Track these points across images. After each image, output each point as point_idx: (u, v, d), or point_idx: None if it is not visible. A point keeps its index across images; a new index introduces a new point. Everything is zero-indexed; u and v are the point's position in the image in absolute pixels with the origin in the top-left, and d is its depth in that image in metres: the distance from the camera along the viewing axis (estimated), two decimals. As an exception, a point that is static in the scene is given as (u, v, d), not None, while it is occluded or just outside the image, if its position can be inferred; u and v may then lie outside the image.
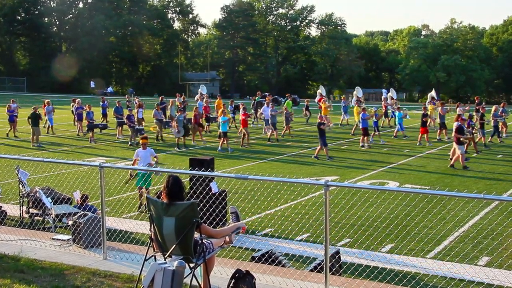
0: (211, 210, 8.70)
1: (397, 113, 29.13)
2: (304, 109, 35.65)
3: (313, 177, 18.25)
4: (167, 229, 6.14)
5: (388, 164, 21.14)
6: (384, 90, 69.03)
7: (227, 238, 6.55)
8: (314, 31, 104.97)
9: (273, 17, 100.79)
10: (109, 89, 78.50)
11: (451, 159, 20.76)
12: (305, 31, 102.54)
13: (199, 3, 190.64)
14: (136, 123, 27.33)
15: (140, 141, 14.67)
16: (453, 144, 20.78)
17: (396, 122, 28.94)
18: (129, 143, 26.09)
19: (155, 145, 25.51)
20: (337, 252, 8.41)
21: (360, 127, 26.15)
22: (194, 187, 9.77)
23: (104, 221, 8.13)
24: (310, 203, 14.23)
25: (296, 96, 50.40)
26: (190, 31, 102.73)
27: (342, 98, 38.50)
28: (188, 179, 11.89)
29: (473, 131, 24.09)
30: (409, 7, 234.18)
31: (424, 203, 13.47)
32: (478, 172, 19.48)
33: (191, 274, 6.10)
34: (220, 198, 10.46)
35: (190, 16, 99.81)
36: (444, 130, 27.85)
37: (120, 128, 28.86)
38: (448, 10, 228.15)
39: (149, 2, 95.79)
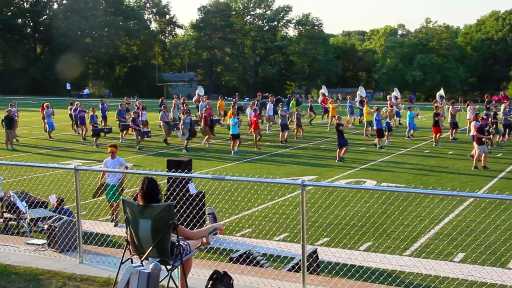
0: (188, 211, 8.66)
1: (408, 112, 28.66)
2: (308, 109, 35.27)
3: (291, 177, 18.28)
4: (143, 232, 6.09)
5: (366, 163, 21.27)
6: (362, 90, 69.56)
7: (204, 239, 6.53)
8: (291, 31, 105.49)
9: (250, 18, 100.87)
10: (86, 91, 77.88)
11: (472, 155, 20.47)
12: (282, 31, 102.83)
13: (176, 3, 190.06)
14: (141, 125, 26.76)
15: (108, 149, 12.78)
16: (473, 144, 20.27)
17: (407, 122, 28.49)
18: (137, 147, 25.38)
19: (161, 148, 25.48)
20: (315, 252, 8.43)
21: (375, 128, 25.64)
22: (171, 189, 9.70)
23: (80, 224, 8.04)
24: (288, 203, 14.24)
25: (298, 96, 50.28)
26: (167, 32, 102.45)
27: (348, 98, 38.28)
28: (166, 180, 11.83)
29: (490, 130, 23.75)
30: (385, 7, 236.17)
31: (401, 201, 13.58)
32: (454, 169, 19.69)
33: (168, 276, 6.06)
34: (198, 199, 10.43)
35: (167, 17, 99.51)
36: (455, 130, 27.52)
37: (124, 131, 28.12)
38: (423, 10, 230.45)
39: (125, 3, 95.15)
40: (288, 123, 28.06)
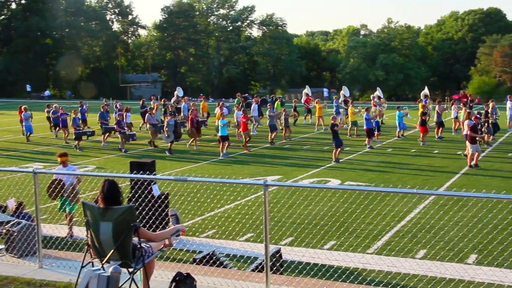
0: (150, 213, 8.56)
1: (397, 112, 28.30)
2: (292, 110, 35.13)
3: (255, 177, 18.28)
4: (104, 234, 6.01)
5: (330, 161, 21.40)
6: (325, 89, 70.28)
7: (167, 241, 6.47)
8: (255, 32, 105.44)
9: (214, 18, 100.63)
10: (46, 93, 76.44)
11: (466, 155, 20.40)
12: (246, 32, 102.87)
13: (139, 4, 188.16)
14: (126, 128, 26.14)
15: (59, 159, 11.68)
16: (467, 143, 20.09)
17: (397, 122, 28.23)
18: (123, 150, 24.67)
19: (147, 151, 25.02)
20: (278, 251, 8.44)
21: (364, 127, 25.27)
22: (133, 191, 9.59)
23: (40, 228, 7.87)
24: (251, 203, 14.24)
25: (281, 96, 50.18)
26: (130, 32, 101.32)
27: (334, 98, 38.11)
28: (130, 182, 11.67)
29: (483, 130, 23.79)
30: (347, 7, 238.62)
31: (364, 199, 13.70)
32: (416, 167, 19.96)
33: (130, 279, 5.98)
34: (160, 201, 10.32)
35: (130, 17, 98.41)
36: (441, 129, 27.46)
37: (106, 134, 27.42)
38: (385, 10, 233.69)
39: (86, 3, 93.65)
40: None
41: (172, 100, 37.13)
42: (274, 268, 7.61)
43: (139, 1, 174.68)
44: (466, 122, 20.37)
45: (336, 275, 7.72)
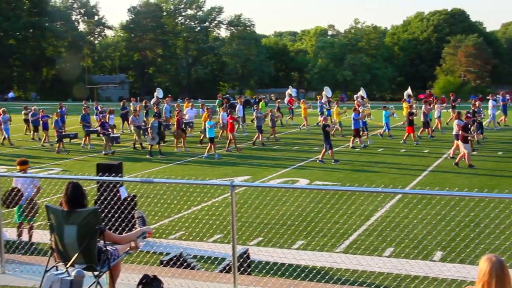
0: (116, 216, 8.44)
1: (383, 112, 28.24)
2: (276, 110, 34.99)
3: (224, 177, 18.23)
4: (68, 238, 5.92)
5: (299, 161, 21.48)
6: (293, 90, 70.43)
7: (133, 244, 6.40)
8: (223, 32, 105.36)
9: (182, 18, 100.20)
10: (10, 94, 75.01)
11: (452, 157, 20.46)
12: (214, 32, 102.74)
13: (105, 4, 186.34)
14: (110, 130, 25.65)
15: (18, 167, 10.79)
16: (456, 142, 20.17)
17: (383, 122, 28.18)
18: (106, 152, 24.19)
19: (130, 154, 24.64)
20: (246, 252, 8.41)
21: (352, 128, 25.00)
22: (99, 193, 9.46)
23: (1, 232, 7.69)
24: (218, 204, 14.20)
25: (265, 97, 50.01)
26: (96, 33, 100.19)
27: (318, 98, 37.95)
28: (96, 185, 11.51)
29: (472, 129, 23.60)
30: (315, 8, 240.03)
31: (333, 199, 13.76)
32: (384, 166, 20.16)
33: (96, 283, 5.90)
34: (126, 203, 10.20)
35: (96, 17, 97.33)
36: (427, 129, 27.58)
37: (88, 137, 26.87)
38: (352, 11, 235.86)
39: (51, 3, 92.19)
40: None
41: (152, 101, 36.81)
42: (242, 269, 7.58)
43: (105, 1, 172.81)
44: (456, 121, 20.29)
45: (303, 275, 7.73)
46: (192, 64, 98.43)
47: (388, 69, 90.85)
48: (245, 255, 8.15)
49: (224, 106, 30.77)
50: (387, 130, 27.91)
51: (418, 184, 16.79)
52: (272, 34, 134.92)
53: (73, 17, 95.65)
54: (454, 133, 20.49)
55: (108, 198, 8.62)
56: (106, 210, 8.31)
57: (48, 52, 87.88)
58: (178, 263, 7.78)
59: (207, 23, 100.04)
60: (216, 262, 8.96)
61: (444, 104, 31.73)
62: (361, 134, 25.12)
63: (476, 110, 26.11)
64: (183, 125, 26.85)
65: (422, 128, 27.56)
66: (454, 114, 32.12)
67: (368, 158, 21.98)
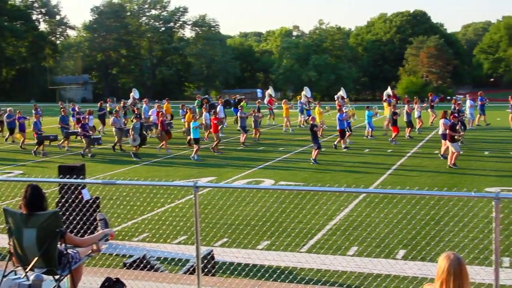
0: (78, 218, 8.32)
1: (366, 112, 28.11)
2: (256, 110, 34.64)
3: (189, 178, 18.13)
4: (27, 241, 5.80)
5: (264, 162, 21.50)
6: (258, 90, 70.70)
7: (95, 246, 6.30)
8: (188, 33, 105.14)
9: (146, 19, 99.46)
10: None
11: (446, 157, 20.21)
12: (179, 33, 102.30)
13: (67, 4, 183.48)
14: (91, 132, 25.09)
15: None
16: (444, 142, 20.15)
17: (366, 122, 28.09)
18: (87, 154, 23.61)
19: (111, 156, 24.12)
20: (210, 253, 8.38)
21: (337, 128, 24.86)
22: (60, 196, 9.30)
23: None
24: (183, 205, 14.11)
25: (244, 96, 49.73)
26: (58, 33, 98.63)
27: (298, 99, 37.77)
28: (58, 187, 11.31)
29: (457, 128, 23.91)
30: (280, 8, 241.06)
31: (297, 198, 13.82)
32: (349, 166, 20.32)
33: (56, 287, 5.79)
34: (90, 206, 10.06)
35: (58, 17, 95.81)
36: (410, 128, 27.60)
37: (66, 139, 26.25)
38: (316, 11, 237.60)
39: (10, 2, 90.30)
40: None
41: (129, 102, 36.38)
42: (206, 270, 7.55)
43: (67, 1, 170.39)
44: (442, 121, 20.24)
45: (267, 275, 7.73)
46: (156, 64, 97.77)
47: (352, 70, 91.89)
48: (209, 256, 8.12)
49: (204, 106, 30.59)
50: (370, 130, 28.08)
51: (381, 183, 16.98)
52: (237, 34, 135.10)
53: (34, 17, 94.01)
54: (440, 132, 20.54)
55: (70, 200, 8.48)
56: (67, 213, 8.17)
57: (8, 52, 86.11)
58: (142, 265, 7.70)
59: (171, 24, 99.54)
60: (180, 264, 8.89)
61: (425, 105, 32.14)
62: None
63: (459, 109, 26.41)
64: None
65: (408, 128, 27.64)
66: (434, 114, 32.81)
67: (333, 158, 22.14)
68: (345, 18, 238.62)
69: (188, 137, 26.01)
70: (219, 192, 14.96)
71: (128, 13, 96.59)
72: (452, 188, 15.25)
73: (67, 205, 8.37)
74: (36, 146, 24.51)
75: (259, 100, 38.11)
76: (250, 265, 8.68)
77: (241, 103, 33.46)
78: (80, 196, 9.62)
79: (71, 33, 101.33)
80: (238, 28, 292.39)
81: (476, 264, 9.05)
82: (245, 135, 26.13)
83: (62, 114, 27.78)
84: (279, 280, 7.39)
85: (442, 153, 21.07)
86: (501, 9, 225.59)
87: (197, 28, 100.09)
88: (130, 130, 23.36)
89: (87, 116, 26.70)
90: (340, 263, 9.54)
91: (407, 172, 18.90)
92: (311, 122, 21.47)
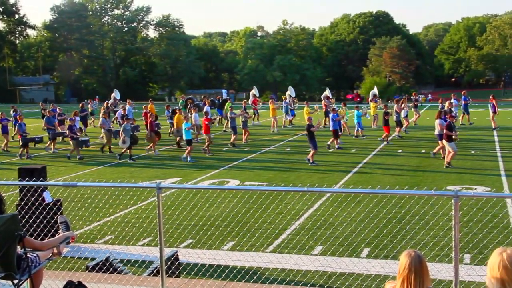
0: (38, 221, 8.16)
1: (355, 112, 28.10)
2: (243, 110, 34.17)
3: (155, 180, 17.97)
4: (-15, 246, 5.63)
5: (230, 162, 21.47)
6: (224, 91, 70.59)
7: (55, 250, 6.18)
8: (152, 33, 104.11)
9: (108, 18, 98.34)
10: None
11: (443, 157, 20.17)
12: (142, 33, 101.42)
13: (26, 2, 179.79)
14: (78, 134, 24.48)
15: None
16: (440, 142, 20.08)
17: (355, 122, 28.06)
18: (72, 156, 23.10)
19: (100, 157, 23.65)
20: (174, 254, 8.32)
21: (330, 128, 24.78)
22: (24, 198, 9.10)
23: None
24: (147, 207, 14.00)
25: (229, 97, 49.32)
26: (17, 32, 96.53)
27: (283, 98, 37.48)
28: (18, 190, 11.09)
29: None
30: (244, 8, 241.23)
31: (262, 198, 13.84)
32: (313, 165, 20.42)
33: (16, 292, 5.66)
34: (49, 208, 9.88)
35: (16, 16, 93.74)
36: (399, 128, 27.65)
37: (53, 141, 25.56)
38: (280, 12, 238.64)
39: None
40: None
41: (110, 103, 35.80)
42: (170, 271, 7.50)
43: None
44: (438, 121, 20.18)
45: (231, 275, 7.71)
46: (120, 65, 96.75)
47: (317, 70, 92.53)
48: (173, 258, 8.06)
49: (189, 106, 30.29)
50: (359, 130, 28.17)
51: (346, 183, 17.13)
52: (201, 35, 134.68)
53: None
54: (436, 132, 20.51)
55: (29, 203, 8.31)
56: (27, 216, 8.01)
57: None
58: (105, 268, 7.60)
59: (134, 24, 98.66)
60: (144, 266, 8.81)
61: (411, 104, 32.46)
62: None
63: (451, 108, 26.67)
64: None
65: (397, 128, 27.72)
66: (417, 113, 33.14)
67: (298, 157, 22.26)
68: (309, 18, 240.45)
69: (178, 138, 25.85)
70: (182, 193, 14.88)
71: (90, 13, 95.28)
72: (414, 186, 15.48)
73: (26, 208, 8.20)
74: (21, 149, 23.91)
75: (245, 100, 38.08)
76: (215, 265, 8.66)
77: (226, 104, 33.43)
78: (40, 199, 9.45)
79: (31, 32, 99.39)
80: (202, 28, 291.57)
81: (437, 261, 9.20)
82: (234, 135, 25.94)
83: (47, 115, 27.20)
84: (243, 281, 7.38)
85: (434, 151, 21.12)
86: (460, 10, 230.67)
87: (161, 28, 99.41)
88: (121, 132, 22.91)
89: (73, 118, 26.22)
90: (304, 262, 9.59)
91: (370, 171, 19.12)
92: (308, 122, 21.23)
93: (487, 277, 3.82)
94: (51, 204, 10.04)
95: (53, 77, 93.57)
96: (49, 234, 7.69)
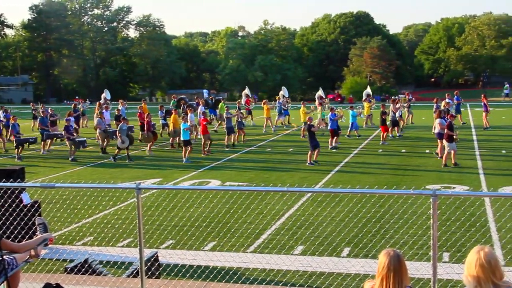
0: (15, 223, 8.07)
1: (350, 111, 28.06)
2: (238, 111, 33.80)
3: (134, 180, 17.86)
4: (-40, 249, 5.55)
5: (211, 163, 21.43)
6: (205, 91, 70.42)
7: (33, 252, 6.11)
8: (132, 33, 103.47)
9: (88, 18, 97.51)
10: None
11: (441, 157, 20.12)
12: (123, 33, 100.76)
13: (3, 2, 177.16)
14: (75, 134, 24.15)
15: None
16: (440, 141, 20.04)
17: (350, 121, 27.99)
18: (71, 158, 22.79)
19: (99, 158, 23.33)
20: (154, 255, 8.28)
21: (328, 128, 24.66)
22: (1, 200, 8.98)
23: None
24: (126, 208, 13.92)
25: (222, 97, 48.91)
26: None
27: (277, 99, 37.26)
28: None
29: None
30: (225, 8, 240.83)
31: (242, 198, 13.83)
32: (294, 165, 20.47)
33: (-8, 295, 5.59)
34: (31, 210, 9.77)
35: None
36: (396, 128, 27.68)
37: (48, 141, 25.28)
38: (261, 12, 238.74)
39: None
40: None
41: (101, 103, 35.43)
42: (150, 273, 7.46)
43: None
44: (438, 120, 20.15)
45: (212, 276, 7.70)
46: (100, 65, 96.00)
47: (298, 70, 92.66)
48: (153, 259, 8.02)
49: (182, 107, 30.08)
50: (354, 130, 28.15)
51: (326, 182, 17.19)
52: (182, 35, 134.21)
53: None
54: (436, 131, 20.45)
55: (6, 205, 8.21)
56: (4, 218, 7.91)
57: None
58: (83, 269, 7.53)
59: (115, 23, 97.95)
60: (124, 267, 8.76)
61: (406, 104, 32.68)
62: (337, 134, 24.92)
63: (449, 108, 26.70)
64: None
65: (393, 128, 27.76)
66: (410, 114, 33.19)
67: (280, 157, 22.29)
68: (290, 18, 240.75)
69: (175, 139, 25.68)
70: (162, 194, 14.83)
71: (69, 12, 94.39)
72: (394, 185, 15.59)
73: (3, 209, 8.10)
74: (16, 150, 23.59)
75: (239, 100, 37.98)
76: (195, 266, 8.64)
77: (220, 104, 33.30)
78: (17, 200, 9.34)
79: (9, 32, 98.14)
80: (183, 28, 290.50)
81: (416, 260, 9.28)
82: (232, 135, 25.77)
83: (42, 115, 26.88)
84: (224, 281, 7.38)
85: (437, 151, 20.94)
86: (440, 11, 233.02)
87: (141, 28, 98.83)
88: (117, 132, 22.67)
89: (69, 118, 25.89)
90: (285, 262, 9.60)
91: (351, 171, 19.21)
92: (308, 122, 21.10)
93: (464, 274, 3.87)
94: (29, 205, 9.93)
95: (32, 77, 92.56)
96: (27, 236, 7.60)
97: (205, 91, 69.83)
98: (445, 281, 8.48)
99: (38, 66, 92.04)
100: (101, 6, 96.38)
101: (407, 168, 19.25)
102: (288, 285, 8.14)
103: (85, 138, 26.04)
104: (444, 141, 19.34)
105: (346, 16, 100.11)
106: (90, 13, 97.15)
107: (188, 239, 10.90)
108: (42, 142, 25.53)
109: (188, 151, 21.91)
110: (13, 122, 25.06)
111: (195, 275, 8.05)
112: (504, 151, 22.43)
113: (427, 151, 22.71)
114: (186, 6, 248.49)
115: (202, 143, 24.02)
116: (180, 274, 8.11)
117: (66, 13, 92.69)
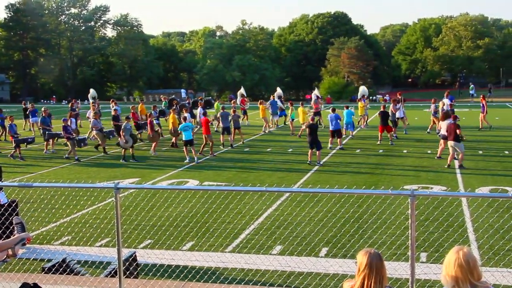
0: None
1: (346, 111, 27.75)
2: (234, 110, 33.42)
3: (112, 180, 17.76)
4: None
5: (189, 162, 21.36)
6: (183, 90, 70.25)
7: (10, 251, 6.04)
8: (110, 32, 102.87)
9: (65, 17, 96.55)
10: None
11: (439, 157, 20.14)
12: (100, 32, 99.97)
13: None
14: (74, 134, 23.75)
15: None
16: (446, 143, 19.71)
17: (345, 121, 27.58)
18: (67, 156, 22.51)
19: (98, 159, 22.93)
20: (132, 255, 8.24)
21: (330, 128, 24.31)
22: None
23: None
24: (104, 208, 13.83)
25: (211, 97, 48.46)
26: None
27: (272, 98, 36.99)
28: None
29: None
30: (202, 8, 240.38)
31: (221, 198, 13.83)
32: (272, 165, 20.52)
33: (-32, 296, 5.52)
34: (8, 209, 9.67)
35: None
36: (394, 128, 27.50)
37: (51, 141, 24.78)
38: (239, 12, 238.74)
39: None
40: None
41: (97, 103, 35.03)
42: (128, 272, 7.42)
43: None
44: (445, 122, 19.87)
45: (190, 275, 7.69)
46: (77, 64, 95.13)
47: (276, 70, 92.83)
48: (131, 258, 7.99)
49: (175, 107, 29.85)
50: (350, 130, 28.09)
51: (305, 182, 17.25)
52: (160, 34, 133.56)
53: None
54: (442, 133, 20.26)
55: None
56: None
57: None
58: (61, 269, 7.47)
59: (92, 23, 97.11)
60: (102, 267, 8.70)
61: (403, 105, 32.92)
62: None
63: (452, 109, 26.73)
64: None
65: (394, 128, 27.50)
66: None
67: (258, 157, 22.32)
68: (268, 18, 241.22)
69: (174, 138, 25.50)
70: (142, 194, 14.76)
71: (46, 11, 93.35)
72: (372, 185, 15.71)
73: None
74: (13, 150, 23.27)
75: (234, 100, 37.81)
76: (174, 266, 8.62)
77: (216, 104, 33.10)
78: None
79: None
80: (161, 28, 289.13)
81: (394, 260, 9.36)
82: (230, 135, 25.60)
83: (43, 115, 26.47)
84: (202, 281, 7.38)
85: (439, 154, 20.84)
86: (417, 11, 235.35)
87: (119, 28, 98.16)
88: (121, 132, 22.31)
89: (68, 119, 25.54)
90: (263, 262, 9.62)
91: (329, 171, 19.30)
92: (310, 122, 20.99)
93: (442, 274, 3.92)
94: (6, 205, 9.82)
95: (9, 76, 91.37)
96: (4, 236, 7.52)
97: (183, 91, 69.65)
98: (423, 281, 8.57)
99: (15, 65, 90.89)
100: (78, 5, 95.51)
101: (385, 168, 19.41)
102: (267, 284, 8.16)
103: (85, 136, 25.91)
104: (451, 142, 19.06)
105: (323, 17, 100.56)
106: (67, 12, 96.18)
107: (166, 239, 10.88)
108: (45, 142, 25.21)
109: (192, 150, 21.69)
110: (10, 122, 24.81)
111: (174, 275, 8.04)
112: (480, 152, 22.73)
113: (429, 151, 22.77)
114: (163, 5, 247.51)
115: (203, 143, 23.84)
116: (159, 274, 8.08)
117: (43, 12, 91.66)
